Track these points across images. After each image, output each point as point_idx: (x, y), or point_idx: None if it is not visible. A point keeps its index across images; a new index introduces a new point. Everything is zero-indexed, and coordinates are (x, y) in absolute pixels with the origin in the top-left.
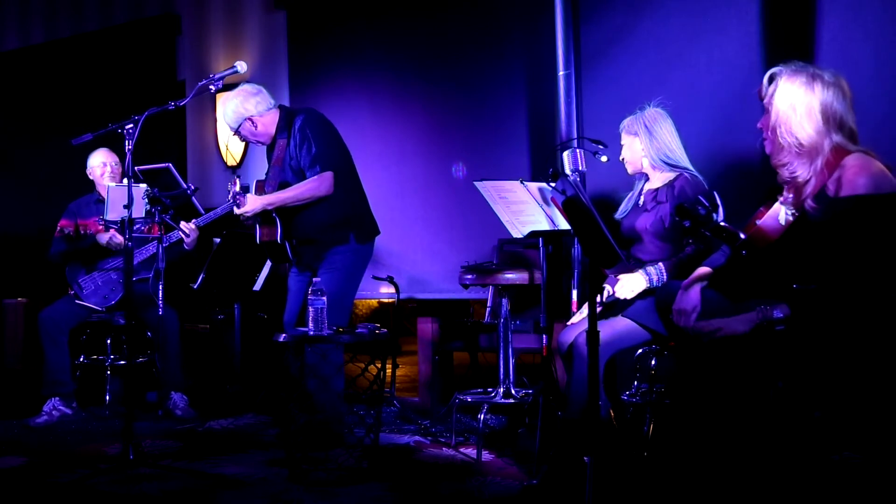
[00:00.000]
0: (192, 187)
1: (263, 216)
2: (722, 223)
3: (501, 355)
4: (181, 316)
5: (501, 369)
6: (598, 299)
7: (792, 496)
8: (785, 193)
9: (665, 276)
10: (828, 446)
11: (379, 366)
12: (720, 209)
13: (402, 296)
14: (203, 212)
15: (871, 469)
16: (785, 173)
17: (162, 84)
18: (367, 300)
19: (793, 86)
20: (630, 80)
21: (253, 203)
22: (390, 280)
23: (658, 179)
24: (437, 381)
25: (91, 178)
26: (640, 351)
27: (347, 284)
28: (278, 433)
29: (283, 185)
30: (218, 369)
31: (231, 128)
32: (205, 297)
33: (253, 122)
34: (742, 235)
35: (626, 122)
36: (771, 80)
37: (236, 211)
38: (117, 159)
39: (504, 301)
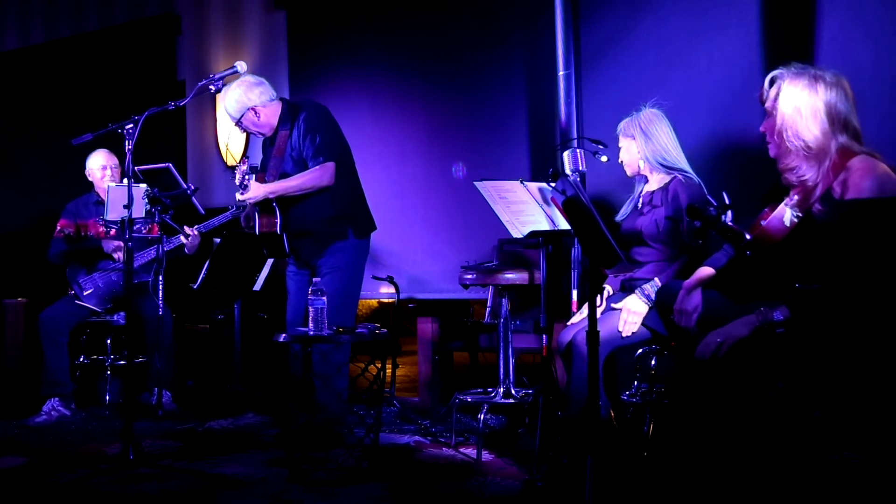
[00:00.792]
0: (192, 187)
1: (263, 205)
2: (729, 223)
3: (501, 355)
4: (179, 316)
5: (501, 369)
6: (598, 299)
7: (792, 496)
8: (791, 196)
9: None
10: (828, 446)
11: (379, 366)
12: (730, 210)
13: (402, 296)
14: (203, 212)
15: (871, 469)
16: (792, 177)
17: (162, 84)
18: (367, 300)
19: (796, 88)
20: (630, 80)
21: (256, 190)
22: (390, 280)
23: (655, 182)
24: (437, 381)
25: (90, 179)
26: (640, 351)
27: (353, 282)
28: (278, 433)
29: (283, 176)
30: (218, 369)
31: (233, 118)
32: (205, 297)
33: (255, 113)
34: (747, 236)
35: (622, 124)
36: (772, 83)
37: (239, 196)
38: (117, 161)
39: (504, 301)
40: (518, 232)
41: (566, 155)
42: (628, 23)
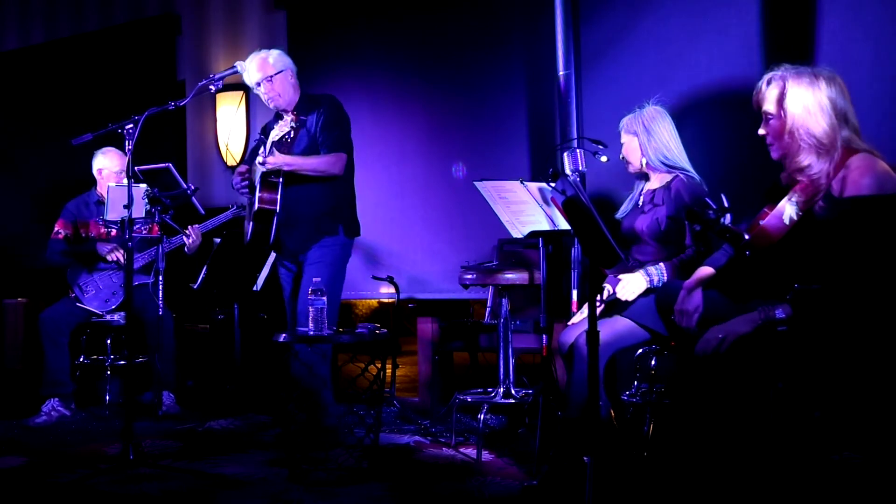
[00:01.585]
0: (192, 187)
1: (267, 182)
2: (728, 225)
3: (501, 355)
4: (179, 316)
5: (501, 369)
6: (598, 299)
7: (792, 496)
8: (792, 193)
9: (666, 277)
10: (828, 446)
11: (379, 366)
12: (729, 213)
13: (402, 296)
14: (203, 212)
15: (871, 469)
16: (803, 176)
17: (162, 84)
18: (367, 300)
19: (801, 88)
20: (630, 80)
21: (277, 157)
22: (390, 280)
23: (656, 180)
24: (437, 381)
25: (97, 178)
26: (640, 351)
27: (337, 278)
28: (278, 433)
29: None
30: (218, 369)
31: (267, 74)
32: (205, 297)
33: (292, 75)
34: (746, 236)
35: (625, 120)
36: (768, 86)
37: (260, 160)
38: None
39: (504, 301)
40: (518, 232)
41: (566, 155)
42: (628, 23)
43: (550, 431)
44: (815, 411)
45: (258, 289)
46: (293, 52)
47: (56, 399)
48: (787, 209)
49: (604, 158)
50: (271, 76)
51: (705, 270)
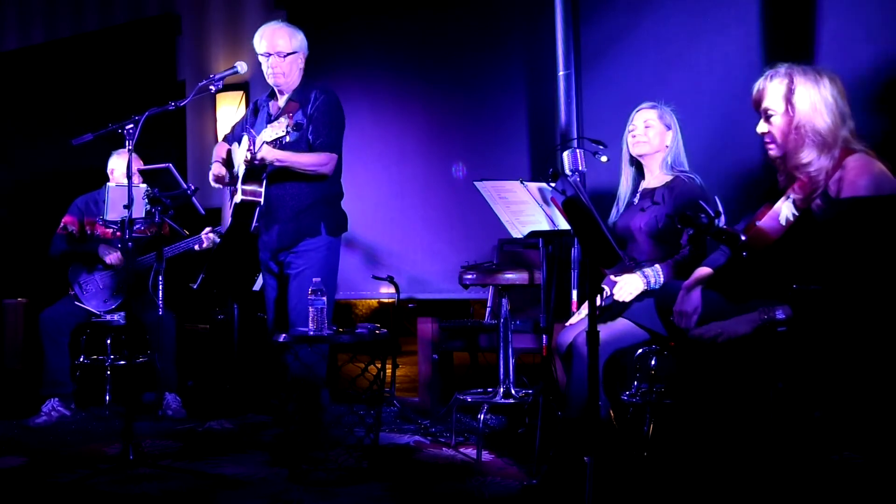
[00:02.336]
0: (192, 187)
1: (252, 173)
2: (723, 226)
3: (501, 355)
4: (179, 316)
5: (501, 369)
6: (598, 299)
7: (792, 496)
8: (789, 193)
9: (662, 278)
10: (828, 446)
11: (379, 366)
12: (722, 216)
13: (402, 296)
14: (203, 212)
15: (871, 469)
16: (803, 174)
17: (162, 84)
18: (367, 300)
19: (807, 85)
20: (630, 80)
21: (267, 152)
22: (390, 280)
23: (655, 179)
24: (437, 381)
25: (110, 177)
26: (639, 351)
27: (328, 283)
28: (278, 433)
29: (284, 148)
30: (218, 369)
31: (282, 50)
32: (205, 297)
33: (303, 60)
34: (742, 237)
35: (663, 108)
36: (770, 81)
37: (248, 156)
38: (141, 164)
39: (504, 301)
40: (518, 232)
41: (566, 155)
42: (628, 23)
43: (550, 431)
44: (814, 411)
45: (258, 289)
46: None
47: (56, 399)
48: (784, 210)
49: (604, 158)
50: (286, 54)
51: (704, 271)
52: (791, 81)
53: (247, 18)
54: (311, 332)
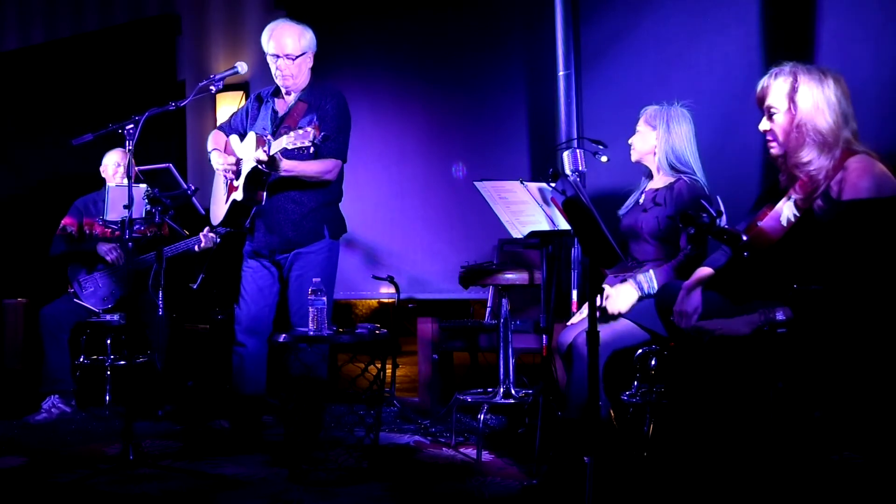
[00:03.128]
0: (193, 188)
1: (253, 174)
2: (724, 226)
3: (501, 355)
4: (179, 316)
5: (501, 369)
6: (598, 299)
7: (792, 496)
8: (790, 193)
9: (656, 285)
10: (828, 446)
11: (379, 366)
12: (724, 216)
13: (402, 296)
14: (203, 212)
15: (871, 469)
16: (802, 172)
17: (162, 84)
18: (367, 300)
19: (811, 84)
20: (630, 80)
21: (281, 163)
22: (390, 280)
23: (660, 180)
24: (437, 381)
25: (103, 175)
26: (639, 351)
27: (328, 286)
28: (279, 433)
29: (291, 154)
30: (218, 369)
31: (292, 52)
32: (205, 297)
33: (312, 59)
34: (744, 237)
35: (649, 110)
36: (775, 78)
37: (255, 158)
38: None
39: (504, 301)
40: (518, 232)
41: (566, 155)
42: (628, 23)
43: (550, 431)
44: (814, 411)
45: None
46: None
47: (56, 396)
48: (785, 211)
49: (604, 158)
50: (295, 56)
51: (704, 271)
52: (795, 80)
53: (247, 18)
54: (311, 333)
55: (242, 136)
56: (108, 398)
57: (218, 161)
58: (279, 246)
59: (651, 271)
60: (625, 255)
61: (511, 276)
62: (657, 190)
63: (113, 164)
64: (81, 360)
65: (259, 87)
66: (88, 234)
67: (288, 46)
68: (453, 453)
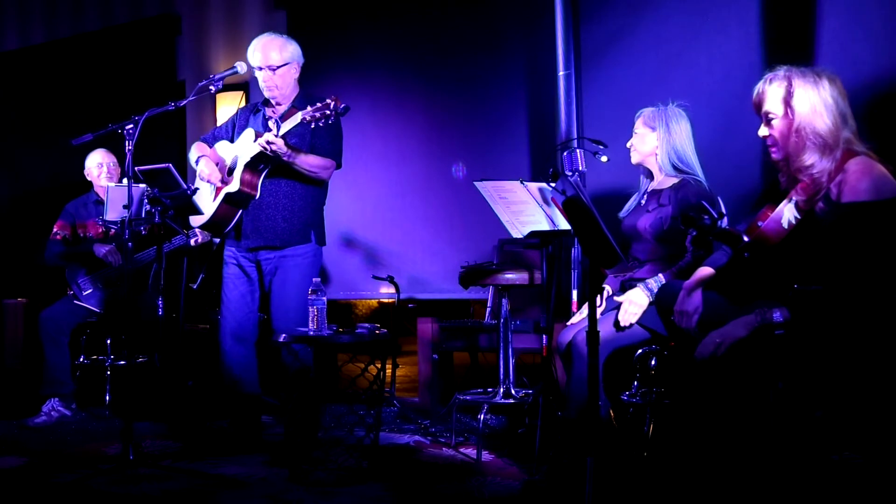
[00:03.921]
0: (193, 188)
1: (252, 162)
2: (725, 227)
3: (501, 355)
4: (179, 316)
5: (501, 369)
6: (598, 299)
7: (792, 496)
8: (791, 195)
9: None
10: (828, 446)
11: (379, 366)
12: (725, 217)
13: (402, 296)
14: (203, 212)
15: (871, 469)
16: (805, 176)
17: (162, 84)
18: (367, 300)
19: (806, 87)
20: (630, 80)
21: (282, 144)
22: (390, 280)
23: (662, 181)
24: (437, 381)
25: (88, 178)
26: (640, 351)
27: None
28: (279, 433)
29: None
30: (218, 369)
31: (272, 64)
32: (205, 297)
33: (297, 70)
34: (745, 238)
35: (647, 111)
36: (769, 84)
37: (266, 139)
38: (115, 159)
39: (504, 301)
40: (518, 232)
41: (566, 155)
42: (628, 23)
43: (550, 431)
44: (815, 411)
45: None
46: None
47: (56, 399)
48: (786, 213)
49: (604, 158)
50: (276, 67)
51: (705, 271)
52: (790, 84)
53: (247, 18)
54: (312, 333)
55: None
56: (108, 398)
57: (205, 169)
58: (265, 243)
59: (660, 275)
60: (626, 256)
61: (511, 276)
62: (660, 191)
63: (96, 166)
64: (81, 360)
65: (259, 87)
66: (83, 236)
67: (269, 58)
68: (453, 453)
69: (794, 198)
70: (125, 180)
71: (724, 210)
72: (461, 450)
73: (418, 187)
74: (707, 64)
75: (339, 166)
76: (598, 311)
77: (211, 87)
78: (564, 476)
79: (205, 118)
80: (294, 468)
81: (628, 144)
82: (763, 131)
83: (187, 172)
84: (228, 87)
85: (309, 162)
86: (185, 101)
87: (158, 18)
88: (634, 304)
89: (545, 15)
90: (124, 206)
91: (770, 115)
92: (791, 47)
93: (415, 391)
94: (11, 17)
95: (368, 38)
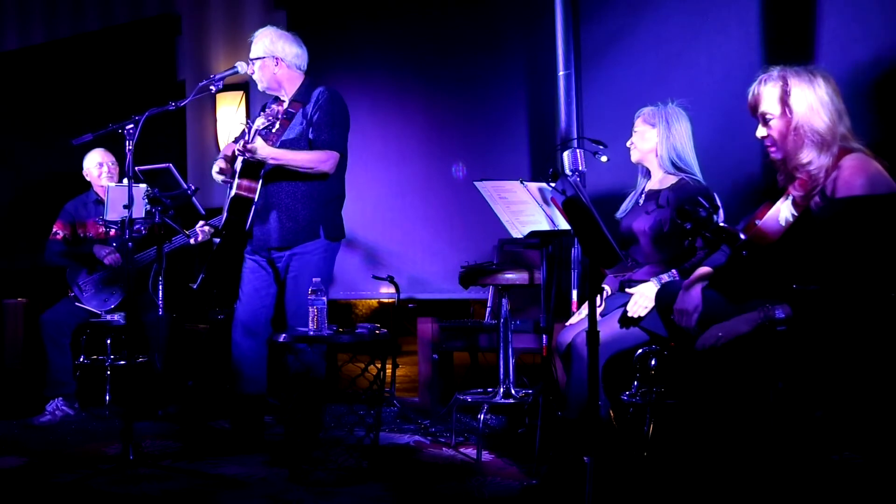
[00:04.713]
0: (193, 187)
1: (249, 168)
2: (722, 224)
3: (501, 355)
4: (179, 316)
5: (501, 369)
6: (598, 299)
7: (792, 496)
8: (789, 193)
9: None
10: (828, 446)
11: (379, 366)
12: (720, 210)
13: (402, 296)
14: (203, 212)
15: (871, 469)
16: (804, 173)
17: (162, 84)
18: (367, 300)
19: (802, 87)
20: (630, 80)
21: (262, 149)
22: (390, 280)
23: (660, 180)
24: (437, 381)
25: (87, 178)
26: (639, 351)
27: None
28: (279, 433)
29: (283, 145)
30: (218, 369)
31: (250, 59)
32: (205, 296)
33: (277, 64)
34: (742, 236)
35: (646, 110)
36: (764, 85)
37: (240, 146)
38: (114, 159)
39: (504, 301)
40: (518, 232)
41: (566, 155)
42: (628, 23)
43: (550, 431)
44: (815, 411)
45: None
46: None
47: (60, 399)
48: (783, 211)
49: (604, 158)
50: (253, 60)
51: (704, 270)
52: (785, 84)
53: (247, 18)
54: (311, 333)
55: None
56: (108, 398)
57: (215, 168)
58: (275, 243)
59: (673, 271)
60: (626, 257)
61: (511, 276)
62: (658, 191)
63: (95, 165)
64: (82, 360)
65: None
66: (82, 236)
67: (252, 50)
68: (453, 453)
69: (791, 195)
70: (125, 180)
71: (719, 203)
72: (461, 450)
73: (418, 187)
74: (707, 64)
75: (342, 155)
76: (598, 310)
77: (211, 87)
78: (564, 476)
79: (205, 118)
80: (294, 468)
81: (628, 143)
82: (761, 132)
83: (187, 172)
84: (228, 87)
85: (299, 158)
86: (185, 101)
87: (158, 18)
88: (645, 296)
89: (545, 15)
90: (124, 206)
91: (767, 116)
92: (791, 47)
93: (415, 391)
94: (11, 17)
95: (368, 38)
